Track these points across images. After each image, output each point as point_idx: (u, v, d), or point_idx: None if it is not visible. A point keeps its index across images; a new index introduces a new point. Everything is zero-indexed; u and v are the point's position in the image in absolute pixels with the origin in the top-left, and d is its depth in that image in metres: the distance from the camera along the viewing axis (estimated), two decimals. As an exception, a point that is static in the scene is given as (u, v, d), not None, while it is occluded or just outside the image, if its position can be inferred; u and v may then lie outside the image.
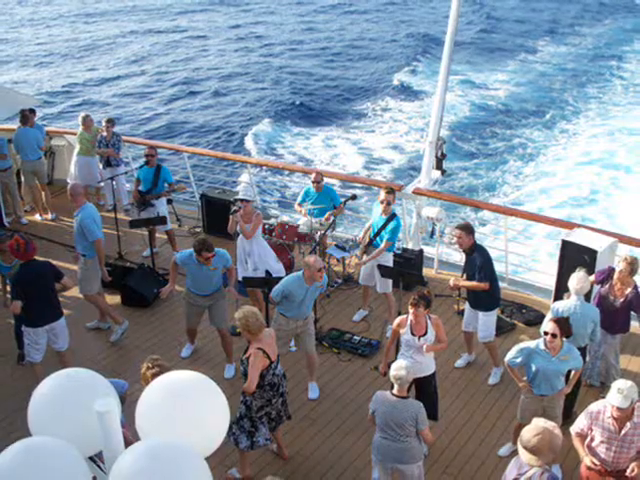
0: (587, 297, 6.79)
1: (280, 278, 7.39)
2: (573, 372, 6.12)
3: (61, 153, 12.84)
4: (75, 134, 11.83)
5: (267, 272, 8.08)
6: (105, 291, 8.72)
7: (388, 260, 8.28)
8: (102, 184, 11.55)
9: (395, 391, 5.43)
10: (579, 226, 8.49)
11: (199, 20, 45.55)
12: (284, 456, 6.52)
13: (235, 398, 6.05)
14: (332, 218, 9.19)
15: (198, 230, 11.09)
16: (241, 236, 8.25)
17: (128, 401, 4.59)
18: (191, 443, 2.27)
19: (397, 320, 6.44)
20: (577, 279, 6.47)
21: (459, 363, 7.88)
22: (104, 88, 30.29)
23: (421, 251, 9.61)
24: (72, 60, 35.44)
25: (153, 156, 9.89)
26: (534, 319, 8.52)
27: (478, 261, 7.15)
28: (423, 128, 23.11)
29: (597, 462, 5.19)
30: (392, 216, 8.16)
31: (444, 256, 10.29)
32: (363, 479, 6.17)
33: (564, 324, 5.81)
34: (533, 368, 5.89)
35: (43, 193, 11.65)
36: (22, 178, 11.53)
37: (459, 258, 9.35)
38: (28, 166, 11.25)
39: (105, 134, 11.21)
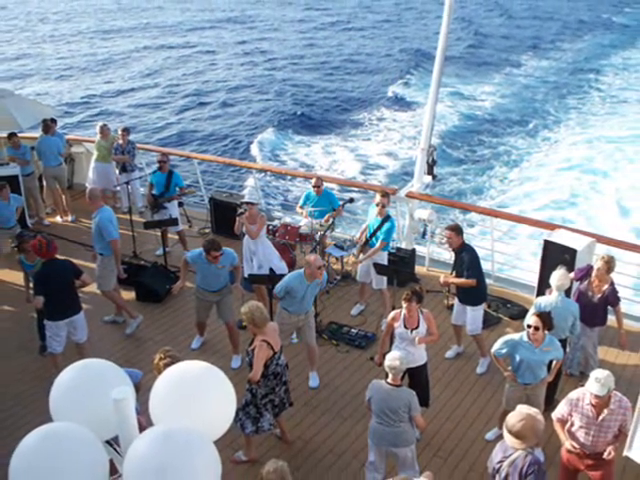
0: (567, 293, 6.78)
1: (283, 275, 7.39)
2: (554, 362, 6.11)
3: (80, 159, 12.85)
4: (93, 142, 11.85)
5: (271, 270, 8.07)
6: (120, 287, 8.71)
7: (383, 259, 8.28)
8: (118, 188, 11.56)
9: (390, 380, 5.42)
10: (560, 227, 8.49)
11: (208, 36, 45.57)
12: (287, 440, 6.51)
13: (241, 386, 6.02)
14: (331, 219, 9.18)
15: (207, 231, 11.07)
16: (247, 236, 8.24)
17: (142, 390, 4.59)
18: (200, 428, 2.27)
19: (392, 314, 6.43)
20: (558, 276, 6.47)
21: (449, 354, 7.87)
22: (120, 99, 30.32)
23: (414, 250, 9.61)
24: (90, 73, 35.47)
25: (165, 162, 9.89)
26: (518, 313, 8.50)
27: (466, 259, 7.15)
28: (415, 136, 23.12)
29: (577, 446, 5.18)
30: (387, 218, 8.16)
31: (435, 255, 10.27)
32: (360, 461, 6.16)
33: (546, 318, 5.81)
34: (517, 358, 5.89)
35: (63, 197, 11.65)
36: (44, 182, 11.54)
37: (449, 257, 9.33)
38: (49, 171, 11.27)
39: (121, 142, 11.21)
